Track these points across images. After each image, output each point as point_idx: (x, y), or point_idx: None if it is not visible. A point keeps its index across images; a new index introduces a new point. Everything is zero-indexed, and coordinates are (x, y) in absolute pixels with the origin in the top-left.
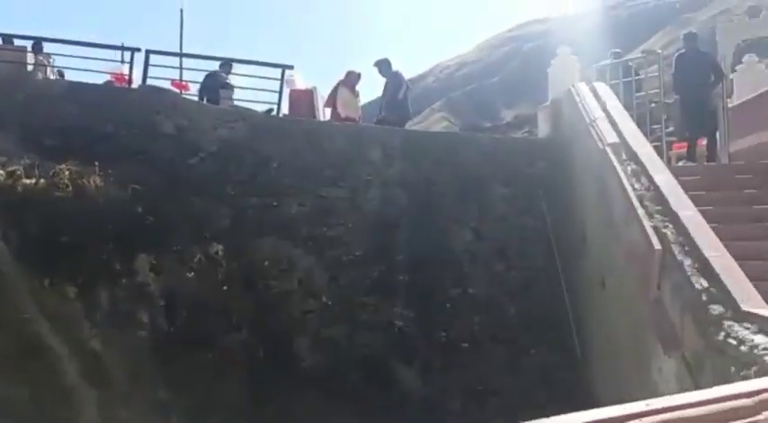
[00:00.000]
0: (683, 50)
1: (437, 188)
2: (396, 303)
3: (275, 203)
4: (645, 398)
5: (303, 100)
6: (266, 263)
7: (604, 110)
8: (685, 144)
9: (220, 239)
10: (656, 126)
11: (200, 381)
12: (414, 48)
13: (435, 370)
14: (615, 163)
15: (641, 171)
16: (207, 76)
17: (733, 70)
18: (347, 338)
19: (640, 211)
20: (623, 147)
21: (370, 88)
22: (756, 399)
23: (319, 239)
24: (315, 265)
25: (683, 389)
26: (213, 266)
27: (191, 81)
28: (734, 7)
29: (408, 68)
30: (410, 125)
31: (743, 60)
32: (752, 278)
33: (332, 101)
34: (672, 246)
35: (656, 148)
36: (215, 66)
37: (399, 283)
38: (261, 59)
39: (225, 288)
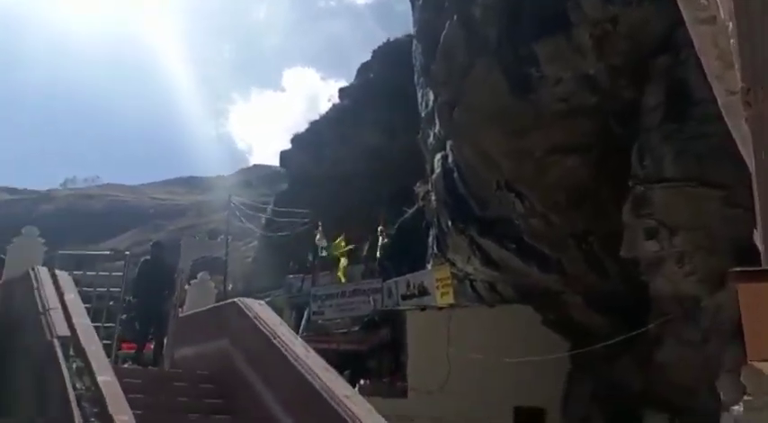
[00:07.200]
0: (148, 257)
1: None
2: None
3: None
4: None
5: None
6: None
7: (61, 301)
8: (134, 345)
9: None
10: (109, 324)
11: None
12: None
13: None
14: (60, 358)
15: (86, 370)
16: None
17: (189, 283)
18: None
19: (76, 413)
20: (73, 342)
21: None
22: None
23: None
24: None
25: None
26: None
27: None
28: (199, 224)
29: None
30: None
31: (197, 276)
32: None
33: None
34: None
35: (106, 345)
36: None
37: None
38: None
39: None
